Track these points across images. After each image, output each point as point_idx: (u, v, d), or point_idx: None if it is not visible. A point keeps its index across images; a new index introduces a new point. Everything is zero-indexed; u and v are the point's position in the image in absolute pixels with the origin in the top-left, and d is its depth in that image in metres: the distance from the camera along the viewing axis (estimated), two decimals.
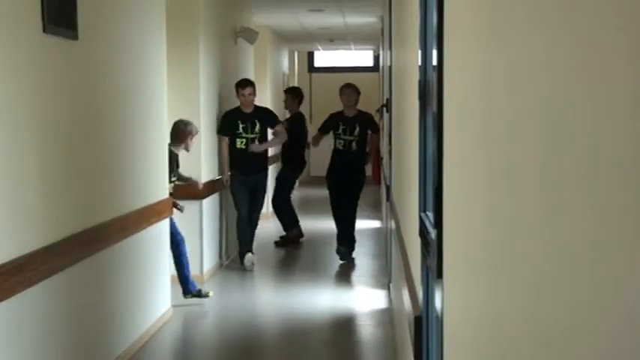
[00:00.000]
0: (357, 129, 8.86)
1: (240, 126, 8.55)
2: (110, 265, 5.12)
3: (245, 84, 8.70)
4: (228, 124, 8.55)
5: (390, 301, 6.89)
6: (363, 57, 19.88)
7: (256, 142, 8.53)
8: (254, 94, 8.67)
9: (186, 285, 6.80)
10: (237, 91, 8.63)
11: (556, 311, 0.99)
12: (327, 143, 9.41)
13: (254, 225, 8.69)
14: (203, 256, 7.82)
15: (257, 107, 8.78)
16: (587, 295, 0.86)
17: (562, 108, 0.97)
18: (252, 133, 8.58)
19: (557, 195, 0.98)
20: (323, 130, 9.13)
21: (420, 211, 3.00)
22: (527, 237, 1.15)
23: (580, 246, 0.89)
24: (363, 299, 7.19)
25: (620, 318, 0.76)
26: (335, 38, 15.81)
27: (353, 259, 8.90)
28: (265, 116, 8.80)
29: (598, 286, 0.83)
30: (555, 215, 1.00)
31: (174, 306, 6.62)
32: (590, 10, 0.85)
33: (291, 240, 9.87)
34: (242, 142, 8.54)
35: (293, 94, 10.22)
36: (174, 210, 6.72)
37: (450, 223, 2.07)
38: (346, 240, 8.90)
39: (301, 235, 10.00)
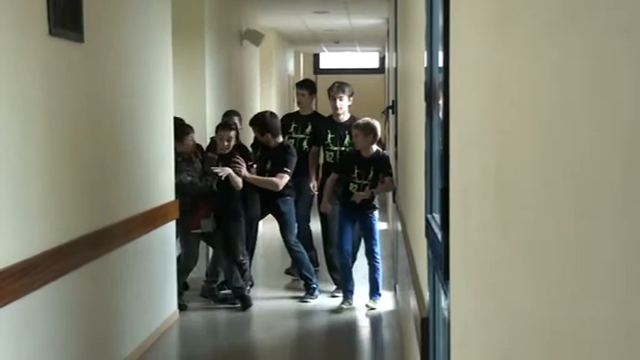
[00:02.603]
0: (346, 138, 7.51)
1: (292, 126, 8.05)
2: (116, 267, 5.12)
3: (298, 85, 8.50)
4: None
5: (396, 302, 6.88)
6: (368, 59, 19.90)
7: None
8: (305, 94, 8.21)
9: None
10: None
11: (564, 314, 0.99)
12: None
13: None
14: (209, 258, 7.82)
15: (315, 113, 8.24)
16: (596, 299, 0.86)
17: (571, 110, 0.96)
18: (302, 133, 7.97)
19: (565, 197, 0.98)
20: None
21: (426, 212, 3.00)
22: (534, 239, 1.15)
23: (588, 249, 0.89)
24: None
25: (630, 321, 0.75)
26: (340, 40, 15.83)
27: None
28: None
29: (607, 290, 0.82)
30: (563, 217, 0.99)
31: (180, 308, 6.62)
32: (599, 10, 0.85)
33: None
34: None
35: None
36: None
37: (457, 225, 2.06)
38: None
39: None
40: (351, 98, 7.61)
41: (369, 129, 6.64)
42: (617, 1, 0.79)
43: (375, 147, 6.74)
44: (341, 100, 7.50)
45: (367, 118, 6.85)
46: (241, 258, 6.99)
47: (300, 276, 7.38)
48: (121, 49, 5.26)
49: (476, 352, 1.73)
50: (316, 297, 7.18)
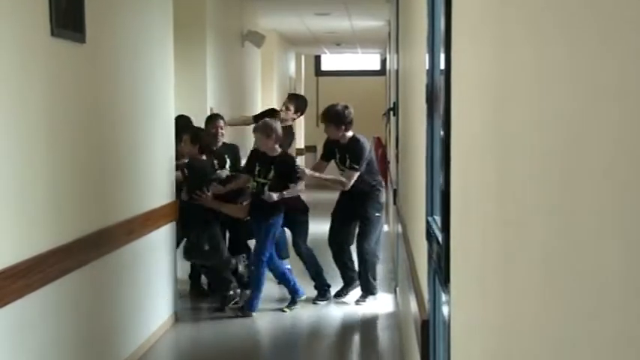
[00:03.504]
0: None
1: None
2: (116, 268, 5.12)
3: (289, 97, 8.30)
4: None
5: (397, 305, 6.87)
6: (369, 60, 19.89)
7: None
8: (289, 110, 7.90)
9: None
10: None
11: (564, 318, 0.98)
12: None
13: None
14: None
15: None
16: (596, 302, 0.85)
17: (573, 111, 0.96)
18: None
19: (566, 199, 0.98)
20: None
21: (427, 214, 3.00)
22: (535, 241, 1.14)
23: (589, 251, 0.88)
24: (370, 303, 7.17)
25: (631, 324, 0.75)
26: (342, 42, 15.82)
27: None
28: None
29: (607, 293, 0.82)
30: (564, 219, 0.99)
31: (179, 309, 6.62)
32: (603, 12, 0.85)
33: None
34: None
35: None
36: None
37: (457, 227, 2.06)
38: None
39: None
40: (347, 125, 6.97)
41: (269, 129, 6.64)
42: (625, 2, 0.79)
43: (279, 149, 6.76)
44: (336, 128, 7.02)
45: (266, 119, 6.92)
46: (228, 259, 6.92)
47: (312, 278, 7.37)
48: (123, 50, 5.26)
49: (476, 354, 1.73)
50: (328, 298, 7.21)
